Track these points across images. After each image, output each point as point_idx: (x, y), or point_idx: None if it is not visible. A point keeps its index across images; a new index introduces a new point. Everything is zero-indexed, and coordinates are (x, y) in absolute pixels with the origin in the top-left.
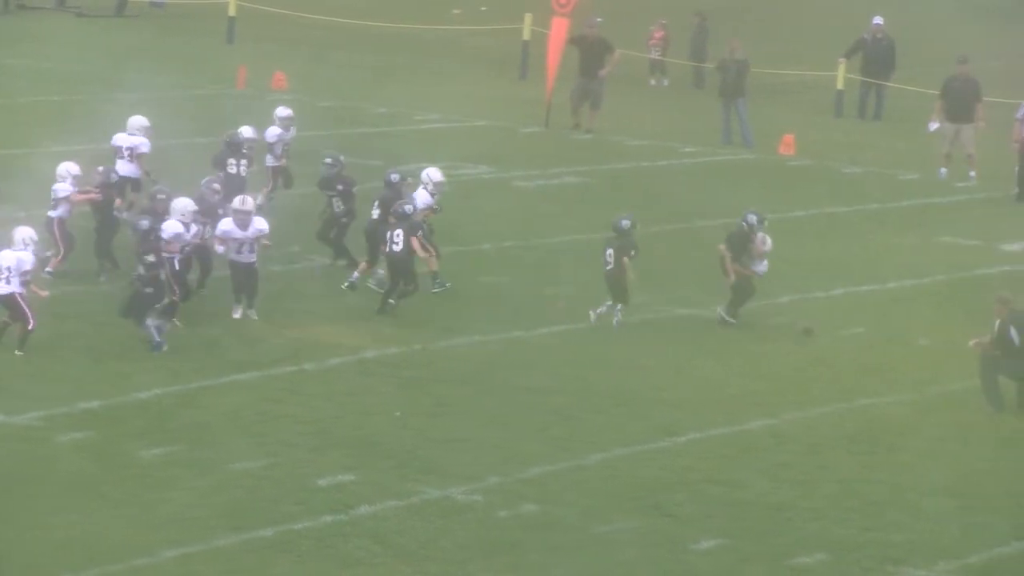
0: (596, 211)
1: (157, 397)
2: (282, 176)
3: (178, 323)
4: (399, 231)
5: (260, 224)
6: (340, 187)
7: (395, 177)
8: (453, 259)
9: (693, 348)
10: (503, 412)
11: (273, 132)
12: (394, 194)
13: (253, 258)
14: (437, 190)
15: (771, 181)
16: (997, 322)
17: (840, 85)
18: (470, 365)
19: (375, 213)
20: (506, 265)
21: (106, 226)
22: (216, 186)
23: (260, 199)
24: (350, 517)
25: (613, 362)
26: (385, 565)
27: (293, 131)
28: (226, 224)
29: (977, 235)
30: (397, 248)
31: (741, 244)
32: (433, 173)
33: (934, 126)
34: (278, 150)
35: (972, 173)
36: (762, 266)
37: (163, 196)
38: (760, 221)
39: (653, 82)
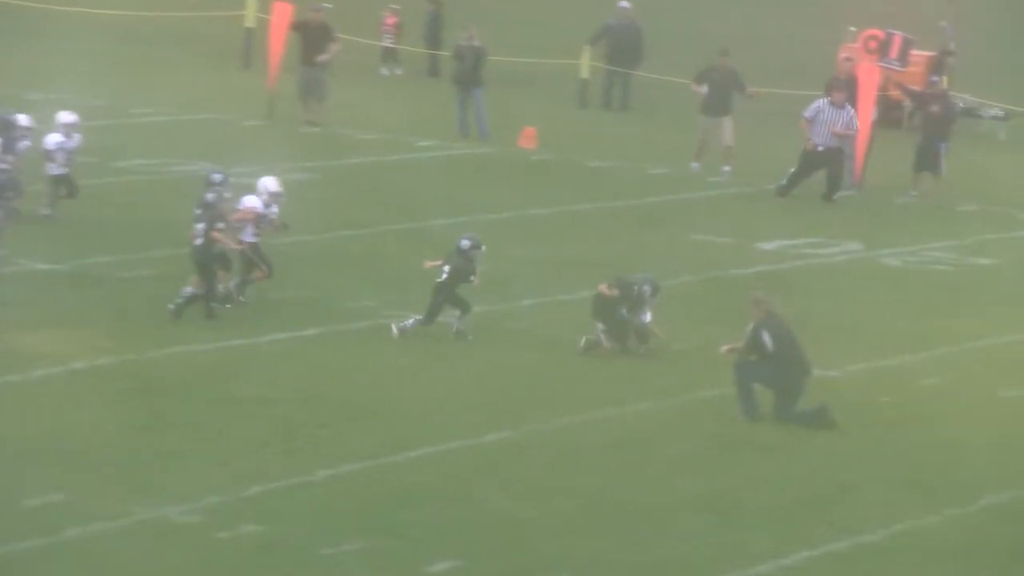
0: (324, 209)
1: None
2: (65, 186)
3: None
4: (201, 225)
5: None
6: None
7: (218, 177)
8: (170, 262)
9: (425, 355)
10: (222, 425)
11: (53, 139)
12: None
13: None
14: (273, 200)
15: (511, 176)
16: (751, 325)
17: (584, 74)
18: (188, 375)
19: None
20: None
21: None
22: None
23: (46, 211)
24: (59, 540)
25: (340, 371)
26: None
27: (77, 138)
28: None
29: (731, 233)
30: (198, 243)
31: (630, 301)
32: (269, 182)
33: (703, 87)
34: (60, 158)
35: (726, 167)
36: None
37: None
38: (654, 293)
39: (385, 71)
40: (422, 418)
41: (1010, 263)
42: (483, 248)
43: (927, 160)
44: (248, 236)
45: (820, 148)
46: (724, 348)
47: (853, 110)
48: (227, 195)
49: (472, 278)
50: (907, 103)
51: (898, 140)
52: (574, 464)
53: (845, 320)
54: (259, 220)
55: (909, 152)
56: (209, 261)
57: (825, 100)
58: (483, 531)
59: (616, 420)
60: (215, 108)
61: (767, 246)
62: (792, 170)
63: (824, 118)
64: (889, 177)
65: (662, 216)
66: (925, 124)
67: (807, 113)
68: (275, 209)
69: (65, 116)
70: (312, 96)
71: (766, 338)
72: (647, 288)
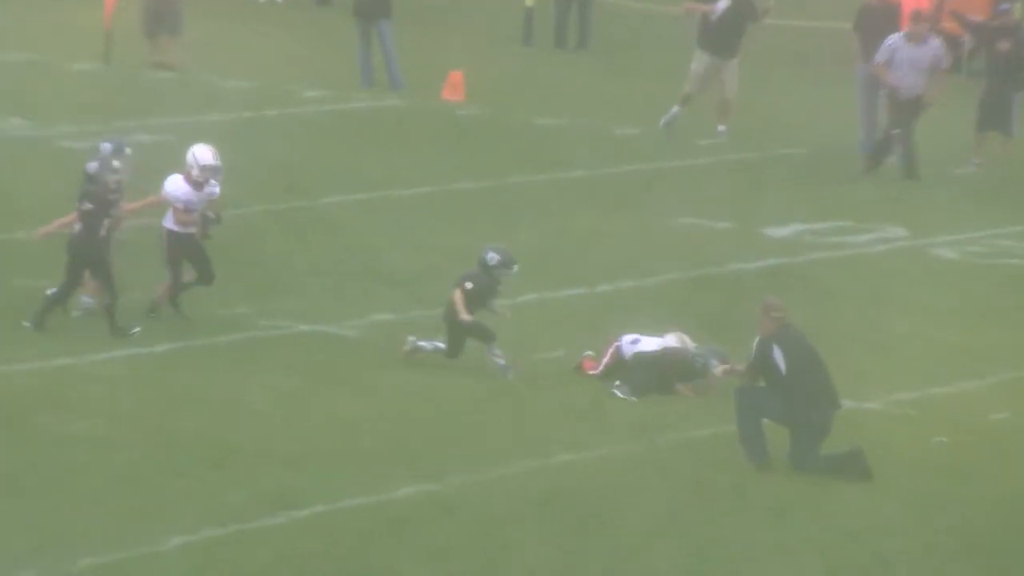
0: None
1: None
2: None
3: None
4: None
5: None
6: None
7: (107, 147)
8: None
9: (317, 380)
10: (44, 473)
11: None
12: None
13: None
14: (205, 177)
15: (432, 138)
16: (757, 340)
17: (529, 1)
18: None
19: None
20: (51, 261)
21: None
22: None
23: None
24: None
25: (203, 401)
26: None
27: None
28: None
29: (730, 215)
30: (75, 230)
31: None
32: (201, 152)
33: (722, 4)
34: None
35: (722, 127)
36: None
37: None
38: (718, 361)
39: None
40: (312, 464)
41: None
42: (516, 268)
43: (994, 116)
44: (172, 224)
45: (904, 94)
46: (719, 369)
47: (940, 41)
48: (116, 164)
49: (496, 303)
50: (966, 39)
51: (955, 89)
52: (516, 528)
53: (885, 333)
54: (186, 207)
55: (970, 105)
56: (87, 255)
57: (899, 36)
58: None
59: (572, 469)
60: (33, 47)
61: (778, 233)
62: (889, 130)
63: (903, 56)
64: (943, 139)
65: (635, 192)
66: (992, 67)
67: (880, 56)
68: (214, 189)
69: None
70: (163, 31)
71: (777, 356)
72: (713, 363)
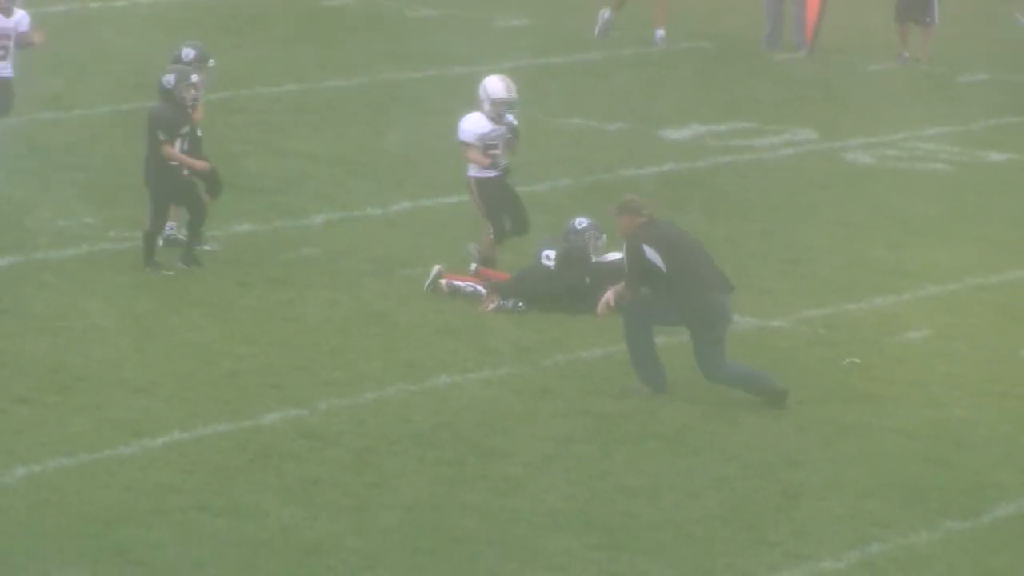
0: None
1: None
2: None
3: None
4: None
5: None
6: None
7: (190, 53)
8: None
9: (169, 298)
10: None
11: None
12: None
13: None
14: (497, 111)
15: (297, 31)
16: (625, 247)
17: None
18: None
19: None
20: None
21: None
22: None
23: None
24: None
25: (46, 321)
26: None
27: None
28: None
29: (623, 115)
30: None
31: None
32: (493, 85)
33: None
34: None
35: (660, 32)
36: None
37: None
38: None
39: None
40: (168, 392)
41: None
42: (604, 238)
43: (913, 5)
44: (475, 171)
45: None
46: (601, 304)
47: None
48: (195, 78)
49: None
50: None
51: None
52: (391, 458)
53: (793, 245)
54: (486, 147)
55: None
56: (164, 189)
57: None
58: (260, 556)
59: (452, 394)
60: None
61: (677, 135)
62: None
63: None
64: (856, 31)
65: (520, 90)
66: None
67: None
68: (512, 122)
69: None
70: None
71: (652, 255)
72: None
